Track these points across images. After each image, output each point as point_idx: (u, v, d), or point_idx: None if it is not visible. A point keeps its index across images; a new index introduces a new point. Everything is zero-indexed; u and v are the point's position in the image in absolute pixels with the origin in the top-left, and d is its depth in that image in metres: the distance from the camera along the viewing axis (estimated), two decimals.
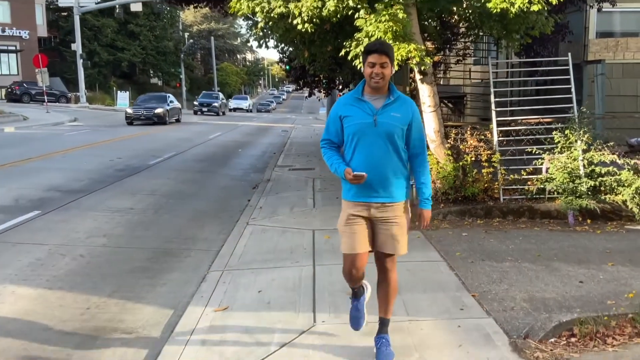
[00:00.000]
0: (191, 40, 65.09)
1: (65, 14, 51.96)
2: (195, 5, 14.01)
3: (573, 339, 3.40)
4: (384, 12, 5.64)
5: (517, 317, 3.81)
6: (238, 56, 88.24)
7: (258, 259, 5.49)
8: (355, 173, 3.08)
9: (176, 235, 6.62)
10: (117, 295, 4.62)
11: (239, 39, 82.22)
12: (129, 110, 26.78)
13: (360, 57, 6.22)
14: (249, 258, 5.54)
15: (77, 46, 36.80)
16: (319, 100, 35.16)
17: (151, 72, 60.80)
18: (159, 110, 26.21)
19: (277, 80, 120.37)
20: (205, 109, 39.48)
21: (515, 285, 4.47)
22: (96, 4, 39.48)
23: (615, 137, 10.36)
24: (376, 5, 5.93)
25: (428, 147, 5.87)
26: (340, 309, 4.08)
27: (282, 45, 9.20)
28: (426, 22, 7.35)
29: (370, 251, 3.26)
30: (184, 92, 57.53)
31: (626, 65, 11.87)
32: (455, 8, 6.58)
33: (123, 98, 39.35)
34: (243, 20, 7.57)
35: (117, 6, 38.14)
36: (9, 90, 39.76)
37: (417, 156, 3.29)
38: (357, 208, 3.21)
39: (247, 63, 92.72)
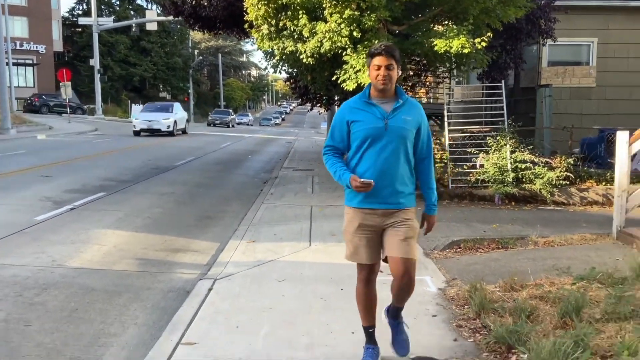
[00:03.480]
0: (200, 57, 67.91)
1: (80, 30, 54.92)
2: (215, 32, 16.50)
3: (459, 250, 5.85)
4: (362, 51, 8.15)
5: (434, 243, 6.23)
6: (243, 72, 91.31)
7: (272, 220, 7.92)
8: (362, 180, 2.97)
9: (211, 208, 9.05)
10: (182, 236, 7.04)
11: (244, 55, 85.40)
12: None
13: (347, 81, 8.72)
14: (266, 220, 7.97)
15: (95, 62, 39.52)
16: (320, 114, 37.75)
17: (161, 86, 63.66)
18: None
19: (280, 95, 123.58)
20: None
21: (440, 232, 6.85)
22: (114, 22, 42.28)
23: (560, 146, 12.75)
24: (358, 46, 8.43)
25: None
26: (326, 240, 6.52)
27: (291, 70, 11.76)
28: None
29: (383, 260, 3.22)
30: (191, 106, 60.34)
31: (572, 89, 14.35)
32: (416, 48, 9.04)
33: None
34: (262, 52, 9.97)
35: (133, 25, 40.99)
36: (29, 101, 42.30)
37: (424, 160, 3.22)
38: (366, 217, 3.12)
39: (252, 79, 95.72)
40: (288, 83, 17.72)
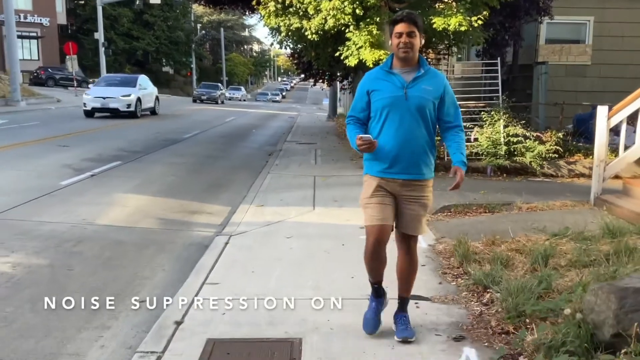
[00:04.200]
0: (203, 32, 67.81)
1: (82, 2, 54.96)
2: (221, 7, 16.91)
3: (449, 214, 6.44)
4: (364, 29, 8.64)
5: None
6: (245, 47, 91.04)
7: (278, 188, 8.50)
8: (362, 136, 3.02)
9: (220, 177, 9.64)
10: (196, 200, 7.64)
11: (247, 30, 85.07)
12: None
13: (349, 58, 9.22)
14: (272, 187, 8.55)
15: (99, 35, 39.71)
16: (322, 89, 38.10)
17: (163, 60, 63.74)
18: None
19: (282, 71, 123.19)
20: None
21: (435, 200, 7.45)
22: None
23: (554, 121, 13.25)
24: (360, 23, 8.91)
25: None
26: (328, 205, 7.11)
27: (296, 46, 12.27)
28: None
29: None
30: (194, 81, 60.59)
31: (569, 66, 14.81)
32: None
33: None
34: (269, 29, 10.46)
35: None
36: (35, 74, 42.69)
37: (452, 128, 3.23)
38: (384, 183, 3.17)
39: (254, 54, 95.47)
40: (292, 59, 18.15)
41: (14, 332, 3.59)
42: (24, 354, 3.33)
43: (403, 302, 3.40)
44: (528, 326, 3.26)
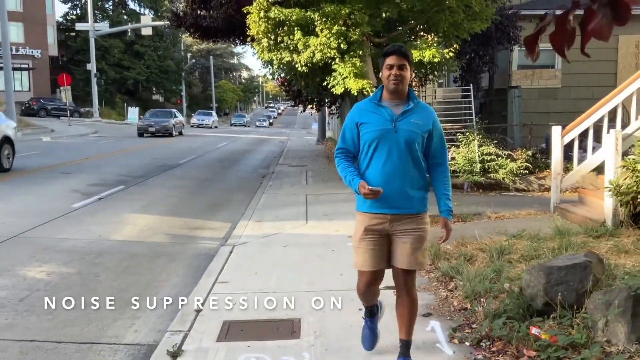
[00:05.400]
0: (193, 60, 69.04)
1: (73, 34, 56.02)
2: (214, 40, 17.88)
3: None
4: (348, 61, 9.56)
5: None
6: (234, 74, 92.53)
7: (273, 206, 9.29)
8: (371, 188, 2.95)
9: (219, 197, 10.42)
10: (198, 218, 8.40)
11: (235, 57, 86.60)
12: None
13: (335, 86, 10.12)
14: (268, 206, 9.34)
15: (92, 66, 40.77)
16: (311, 115, 39.12)
17: (154, 89, 64.84)
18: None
19: (270, 97, 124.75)
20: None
21: None
22: (109, 27, 43.46)
23: (528, 141, 14.16)
24: (345, 56, 9.83)
25: None
26: (320, 219, 7.90)
27: (287, 77, 13.22)
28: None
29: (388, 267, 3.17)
30: (184, 109, 61.60)
31: (540, 89, 15.86)
32: None
33: (133, 113, 43.26)
34: (262, 62, 11.37)
35: (129, 30, 42.22)
36: (27, 105, 43.42)
37: (438, 166, 3.18)
38: (373, 221, 3.09)
39: (243, 80, 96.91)
40: (283, 87, 19.12)
41: (61, 322, 4.32)
42: (73, 337, 4.06)
43: (405, 345, 3.25)
44: (482, 303, 4.06)
